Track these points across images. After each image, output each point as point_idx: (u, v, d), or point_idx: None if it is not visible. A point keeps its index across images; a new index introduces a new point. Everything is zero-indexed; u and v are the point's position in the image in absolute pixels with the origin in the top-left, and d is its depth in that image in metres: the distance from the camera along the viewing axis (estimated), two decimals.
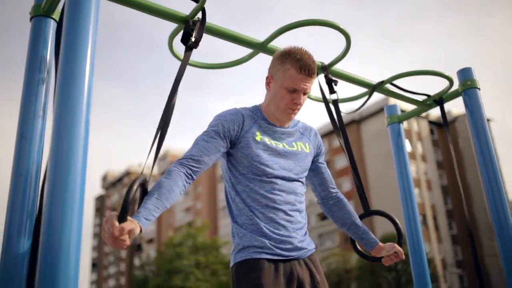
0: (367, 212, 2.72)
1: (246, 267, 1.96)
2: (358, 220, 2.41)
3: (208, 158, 1.99)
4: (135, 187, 1.62)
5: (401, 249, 2.35)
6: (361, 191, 2.78)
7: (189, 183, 1.93)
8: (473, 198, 45.12)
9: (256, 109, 2.21)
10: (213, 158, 2.01)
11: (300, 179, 2.17)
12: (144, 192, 1.79)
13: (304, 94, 2.12)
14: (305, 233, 2.15)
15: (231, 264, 2.04)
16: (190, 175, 1.92)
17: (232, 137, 2.07)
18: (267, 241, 1.98)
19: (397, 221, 2.62)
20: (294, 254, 2.03)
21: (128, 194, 1.57)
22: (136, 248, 73.32)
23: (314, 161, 2.33)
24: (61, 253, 1.33)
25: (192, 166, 1.94)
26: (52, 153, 1.45)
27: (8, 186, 1.82)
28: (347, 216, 2.40)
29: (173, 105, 2.06)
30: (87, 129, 1.52)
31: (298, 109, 2.15)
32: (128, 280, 60.02)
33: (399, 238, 2.57)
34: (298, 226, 2.09)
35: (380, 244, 2.37)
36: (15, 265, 1.72)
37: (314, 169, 2.35)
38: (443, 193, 46.45)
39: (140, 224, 1.61)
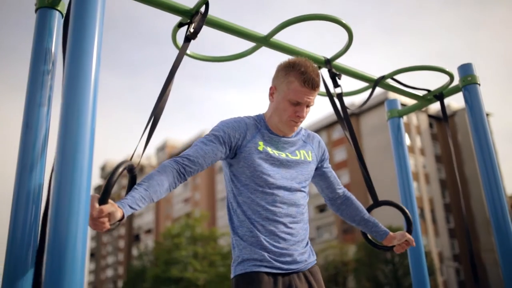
0: (376, 203, 2.77)
1: (245, 280, 1.97)
2: (367, 215, 2.46)
3: (204, 161, 1.99)
4: (119, 170, 1.62)
5: (411, 237, 2.43)
6: (369, 183, 2.81)
7: (181, 182, 1.92)
8: (471, 192, 45.26)
9: (260, 119, 2.20)
10: (208, 162, 2.01)
11: (303, 189, 2.17)
12: (132, 179, 1.80)
13: (307, 107, 2.11)
14: (306, 244, 2.15)
15: (232, 276, 2.06)
16: (183, 174, 1.92)
17: (232, 144, 2.07)
18: (266, 254, 2.00)
19: (407, 210, 2.68)
20: (293, 267, 2.04)
21: (111, 178, 1.57)
22: (134, 238, 73.47)
23: (319, 167, 2.34)
24: (69, 243, 1.36)
25: (186, 165, 1.94)
26: (60, 143, 1.48)
27: (14, 175, 1.85)
28: (356, 212, 2.44)
29: (168, 93, 2.07)
30: (93, 120, 1.54)
31: (301, 121, 2.15)
32: (126, 270, 60.17)
33: (409, 226, 2.63)
34: (299, 239, 2.10)
35: (391, 233, 2.43)
36: (20, 258, 1.74)
37: (321, 175, 2.37)
38: (441, 187, 46.56)
39: (123, 211, 1.62)
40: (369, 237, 2.64)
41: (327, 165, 2.39)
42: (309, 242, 2.18)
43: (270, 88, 2.19)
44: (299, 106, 2.09)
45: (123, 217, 1.62)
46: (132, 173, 1.78)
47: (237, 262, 2.04)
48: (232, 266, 2.07)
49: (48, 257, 1.35)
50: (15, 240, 1.75)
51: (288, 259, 2.03)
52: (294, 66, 2.09)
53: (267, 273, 1.98)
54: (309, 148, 2.27)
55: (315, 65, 2.14)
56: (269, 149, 2.12)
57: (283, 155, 2.15)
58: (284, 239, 2.04)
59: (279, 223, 2.05)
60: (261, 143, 2.12)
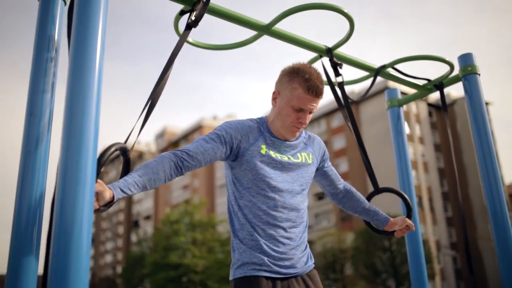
0: (377, 190, 2.82)
1: (244, 284, 2.00)
2: (367, 205, 2.52)
3: (203, 157, 2.01)
4: (111, 150, 1.65)
5: (411, 222, 2.51)
6: (370, 170, 2.85)
7: (177, 175, 1.94)
8: (469, 181, 45.39)
9: (262, 122, 2.21)
10: (207, 159, 2.03)
11: (303, 191, 2.20)
12: (126, 162, 1.82)
13: (310, 113, 2.12)
14: (305, 247, 2.18)
15: (231, 278, 2.08)
16: (180, 167, 1.94)
17: (233, 145, 2.08)
18: (266, 258, 2.02)
19: (406, 196, 2.75)
20: (292, 271, 2.07)
21: (101, 158, 1.59)
22: (133, 224, 73.75)
23: (320, 167, 2.38)
24: (74, 228, 1.39)
25: (185, 159, 1.96)
26: (65, 130, 1.50)
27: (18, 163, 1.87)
28: (357, 204, 2.50)
29: (166, 79, 2.08)
30: (98, 107, 1.56)
31: (303, 127, 2.17)
32: (125, 256, 60.49)
33: (409, 212, 2.72)
34: (298, 243, 2.12)
35: (392, 220, 2.51)
36: (25, 243, 1.76)
37: (322, 174, 2.41)
38: (439, 176, 46.69)
39: (114, 192, 1.64)
40: (371, 224, 2.70)
41: (327, 164, 2.42)
42: (307, 246, 2.21)
43: (273, 93, 2.20)
44: (302, 113, 2.10)
45: (113, 198, 1.65)
46: (125, 155, 1.80)
47: (236, 265, 2.07)
48: (231, 269, 2.10)
49: (54, 241, 1.38)
50: (19, 226, 1.76)
51: (287, 263, 2.06)
52: (298, 72, 2.10)
53: (266, 278, 2.01)
54: (310, 150, 2.29)
55: (319, 72, 2.14)
56: (271, 153, 2.13)
57: (285, 158, 2.16)
58: (283, 244, 2.07)
59: (279, 227, 2.08)
60: (263, 146, 2.13)
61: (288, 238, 2.09)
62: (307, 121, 2.13)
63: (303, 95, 2.07)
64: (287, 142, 2.20)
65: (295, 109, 2.10)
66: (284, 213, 2.09)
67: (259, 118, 2.24)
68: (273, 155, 2.13)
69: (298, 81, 2.08)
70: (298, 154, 2.23)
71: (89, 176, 1.47)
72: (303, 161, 2.23)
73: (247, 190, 2.10)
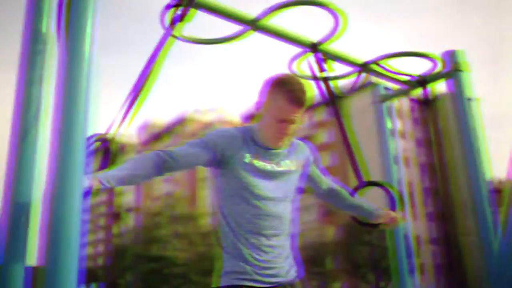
0: (362, 184, 2.86)
1: None
2: (352, 201, 2.55)
3: (185, 161, 2.04)
4: (92, 140, 1.67)
5: (397, 215, 2.55)
6: (355, 164, 2.88)
7: (156, 175, 1.96)
8: (451, 176, 45.84)
9: (247, 131, 2.20)
10: (189, 163, 2.06)
11: (288, 199, 2.20)
12: (107, 154, 1.84)
13: (293, 123, 2.11)
14: (290, 256, 2.18)
15: (213, 287, 2.08)
16: (161, 168, 1.96)
17: (217, 152, 2.08)
18: (248, 268, 2.02)
19: (391, 189, 2.81)
20: (275, 280, 2.06)
21: None
22: (114, 216, 73.33)
23: (305, 173, 2.37)
24: (66, 219, 1.39)
25: (166, 161, 1.97)
26: (55, 123, 1.50)
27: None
28: (342, 202, 2.53)
29: (154, 72, 2.09)
30: (89, 99, 1.56)
31: (287, 137, 2.16)
32: (107, 248, 60.13)
33: (394, 204, 2.82)
34: (282, 251, 2.12)
35: (379, 212, 2.53)
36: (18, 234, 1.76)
37: (307, 178, 2.41)
38: (421, 171, 47.11)
39: (92, 182, 1.64)
40: (357, 217, 2.74)
41: (313, 169, 2.43)
42: (293, 254, 2.21)
43: (257, 103, 2.20)
44: (285, 123, 2.10)
45: (90, 189, 1.65)
46: (107, 147, 1.81)
47: (220, 274, 2.06)
48: (214, 277, 2.09)
49: (46, 231, 1.39)
50: (9, 218, 1.76)
51: (269, 272, 2.05)
52: (281, 83, 2.10)
53: (250, 287, 2.00)
54: (295, 157, 2.27)
55: (302, 81, 2.14)
56: (255, 161, 2.13)
57: (268, 167, 2.16)
58: (266, 252, 2.06)
59: (262, 236, 2.07)
60: (247, 155, 2.12)
61: (271, 247, 2.08)
62: (291, 131, 2.13)
63: (286, 106, 2.06)
64: (271, 151, 2.19)
65: (278, 120, 2.09)
66: (267, 221, 2.09)
67: (244, 127, 2.23)
68: (257, 164, 2.13)
69: (281, 92, 2.07)
70: (282, 162, 2.21)
71: (79, 167, 1.47)
72: (287, 169, 2.22)
73: (230, 198, 2.10)
